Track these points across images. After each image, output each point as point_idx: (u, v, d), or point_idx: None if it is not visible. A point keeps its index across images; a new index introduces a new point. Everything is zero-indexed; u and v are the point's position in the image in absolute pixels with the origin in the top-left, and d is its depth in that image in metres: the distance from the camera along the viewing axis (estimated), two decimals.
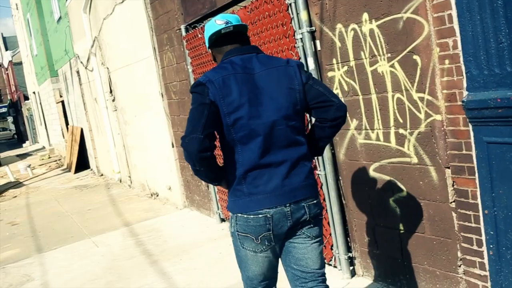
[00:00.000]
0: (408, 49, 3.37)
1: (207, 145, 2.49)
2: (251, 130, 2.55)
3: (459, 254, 3.38)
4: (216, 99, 2.53)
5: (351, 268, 4.38)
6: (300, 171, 2.64)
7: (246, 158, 2.58)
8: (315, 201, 2.68)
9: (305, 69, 2.73)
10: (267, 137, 2.56)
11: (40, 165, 19.95)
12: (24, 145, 38.23)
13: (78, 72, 13.43)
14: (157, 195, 9.08)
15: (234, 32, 2.70)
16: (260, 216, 2.56)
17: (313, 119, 2.84)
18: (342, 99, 3.99)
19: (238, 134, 2.56)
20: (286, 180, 2.59)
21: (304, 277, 2.75)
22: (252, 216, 2.58)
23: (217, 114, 2.54)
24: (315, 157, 2.90)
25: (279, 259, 2.80)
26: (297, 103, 2.63)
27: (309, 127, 3.22)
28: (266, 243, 2.63)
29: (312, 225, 2.70)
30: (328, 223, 4.43)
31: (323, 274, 2.79)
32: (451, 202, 3.35)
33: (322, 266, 2.78)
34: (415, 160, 3.55)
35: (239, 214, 2.63)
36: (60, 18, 14.64)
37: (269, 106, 2.57)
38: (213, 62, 2.83)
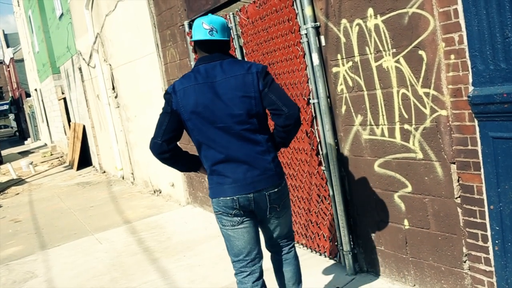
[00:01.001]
0: (413, 44, 3.37)
1: (165, 149, 3.09)
2: (208, 135, 3.00)
3: (464, 249, 3.37)
4: (178, 108, 3.02)
5: (356, 264, 4.37)
6: (259, 165, 3.04)
7: (211, 155, 3.05)
8: (276, 189, 3.09)
9: (265, 75, 3.07)
10: (224, 139, 2.99)
11: (42, 162, 19.95)
12: (26, 142, 38.21)
13: (80, 69, 13.42)
14: (160, 192, 9.08)
15: (213, 41, 3.08)
16: (228, 199, 3.04)
17: None
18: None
19: (199, 136, 3.04)
20: (248, 173, 3.02)
21: (274, 240, 3.32)
22: (221, 198, 3.06)
23: (179, 120, 3.05)
24: (284, 148, 3.41)
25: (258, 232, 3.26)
26: (252, 108, 2.99)
27: None
28: (239, 217, 3.09)
29: (278, 209, 3.17)
30: (333, 219, 4.43)
31: (289, 236, 3.36)
32: (456, 198, 3.34)
33: (289, 231, 3.35)
34: (420, 155, 3.54)
35: (213, 198, 3.11)
36: (62, 14, 14.64)
37: (224, 112, 2.97)
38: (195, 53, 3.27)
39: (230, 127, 2.97)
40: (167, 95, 3.07)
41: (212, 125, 2.98)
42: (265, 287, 3.26)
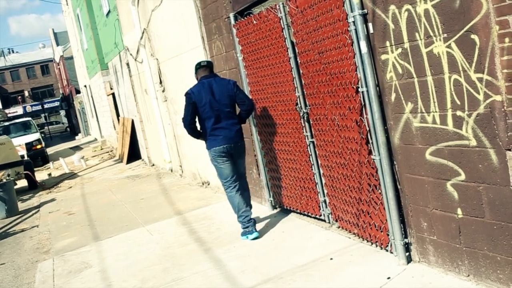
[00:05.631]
0: (465, 29, 3.28)
1: (192, 122, 5.81)
2: (210, 114, 5.70)
3: None
4: (196, 101, 5.70)
5: (407, 254, 4.32)
6: (233, 129, 5.80)
7: (209, 124, 5.74)
8: (240, 143, 5.89)
9: (236, 84, 5.82)
10: (218, 116, 5.71)
11: (93, 156, 20.47)
12: (76, 137, 39.25)
13: (128, 64, 13.65)
14: (208, 184, 9.17)
15: (206, 66, 5.93)
16: (221, 147, 5.75)
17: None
18: (401, 82, 3.94)
19: (205, 115, 5.72)
20: (229, 133, 5.77)
21: (238, 175, 5.95)
22: (217, 148, 5.77)
23: (196, 108, 5.72)
24: (244, 123, 6.12)
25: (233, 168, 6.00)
26: (232, 101, 5.80)
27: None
28: (226, 158, 5.81)
29: (241, 153, 5.95)
30: (384, 208, 4.39)
31: (244, 174, 6.09)
32: None
33: (244, 171, 6.08)
34: (473, 142, 3.46)
35: (212, 148, 5.79)
36: (109, 11, 14.91)
37: (219, 102, 5.70)
38: (196, 78, 6.00)
39: (221, 109, 5.71)
40: (189, 94, 5.74)
41: (212, 109, 5.68)
42: (242, 195, 5.87)
